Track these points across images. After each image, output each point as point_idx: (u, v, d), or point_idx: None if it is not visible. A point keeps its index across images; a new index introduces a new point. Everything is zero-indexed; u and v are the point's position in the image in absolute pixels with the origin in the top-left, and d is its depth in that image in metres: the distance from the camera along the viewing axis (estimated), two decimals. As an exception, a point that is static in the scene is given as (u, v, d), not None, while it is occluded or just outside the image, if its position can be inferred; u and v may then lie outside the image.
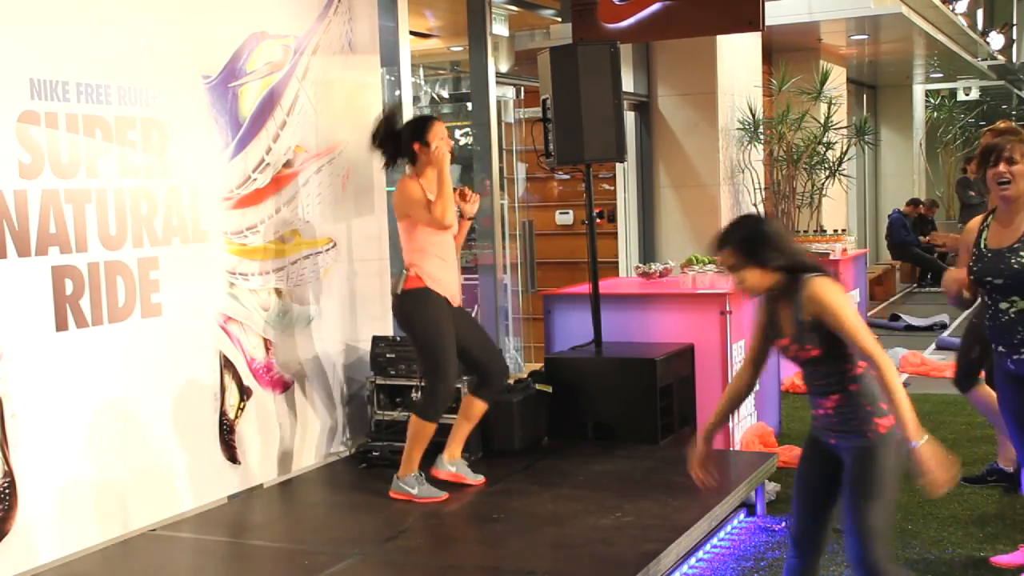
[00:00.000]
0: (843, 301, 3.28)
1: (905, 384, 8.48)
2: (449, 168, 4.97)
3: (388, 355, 5.74)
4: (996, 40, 19.31)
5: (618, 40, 6.65)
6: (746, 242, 3.36)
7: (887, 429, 3.28)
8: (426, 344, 4.97)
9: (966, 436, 6.87)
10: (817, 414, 3.44)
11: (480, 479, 5.16)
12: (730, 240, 3.40)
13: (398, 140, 5.12)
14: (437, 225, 4.94)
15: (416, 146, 5.04)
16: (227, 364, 5.17)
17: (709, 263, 7.21)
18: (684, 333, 6.19)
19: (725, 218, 10.02)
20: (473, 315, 5.23)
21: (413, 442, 4.98)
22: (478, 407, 5.18)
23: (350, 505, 5.14)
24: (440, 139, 5.02)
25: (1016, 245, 4.15)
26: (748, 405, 6.52)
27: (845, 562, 4.64)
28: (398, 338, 5.76)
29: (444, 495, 4.96)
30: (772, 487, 5.61)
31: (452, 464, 5.16)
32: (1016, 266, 4.12)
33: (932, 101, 20.00)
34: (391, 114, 5.31)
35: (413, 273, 4.98)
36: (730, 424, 6.17)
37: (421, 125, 5.10)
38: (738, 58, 10.42)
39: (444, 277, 5.02)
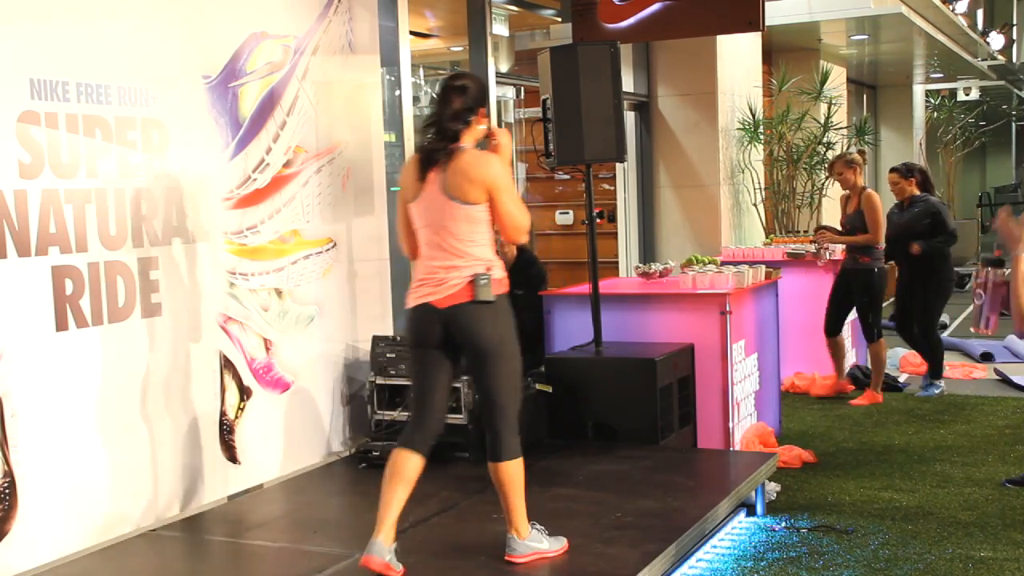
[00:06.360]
0: None
1: (905, 384, 8.48)
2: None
3: (388, 355, 5.73)
4: (996, 40, 19.31)
5: (618, 40, 6.63)
6: None
7: None
8: None
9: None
10: None
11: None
12: None
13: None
14: (515, 233, 4.01)
15: (476, 117, 4.02)
16: (227, 364, 5.18)
17: (709, 263, 7.22)
18: (684, 333, 6.19)
19: (725, 218, 10.05)
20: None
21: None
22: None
23: (350, 505, 5.14)
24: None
25: None
26: (748, 405, 6.52)
27: (845, 563, 4.65)
28: (398, 338, 5.76)
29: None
30: (772, 487, 5.61)
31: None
32: None
33: (932, 101, 20.00)
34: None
35: None
36: (730, 424, 6.17)
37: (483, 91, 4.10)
38: (738, 58, 10.43)
39: (417, 285, 4.04)
